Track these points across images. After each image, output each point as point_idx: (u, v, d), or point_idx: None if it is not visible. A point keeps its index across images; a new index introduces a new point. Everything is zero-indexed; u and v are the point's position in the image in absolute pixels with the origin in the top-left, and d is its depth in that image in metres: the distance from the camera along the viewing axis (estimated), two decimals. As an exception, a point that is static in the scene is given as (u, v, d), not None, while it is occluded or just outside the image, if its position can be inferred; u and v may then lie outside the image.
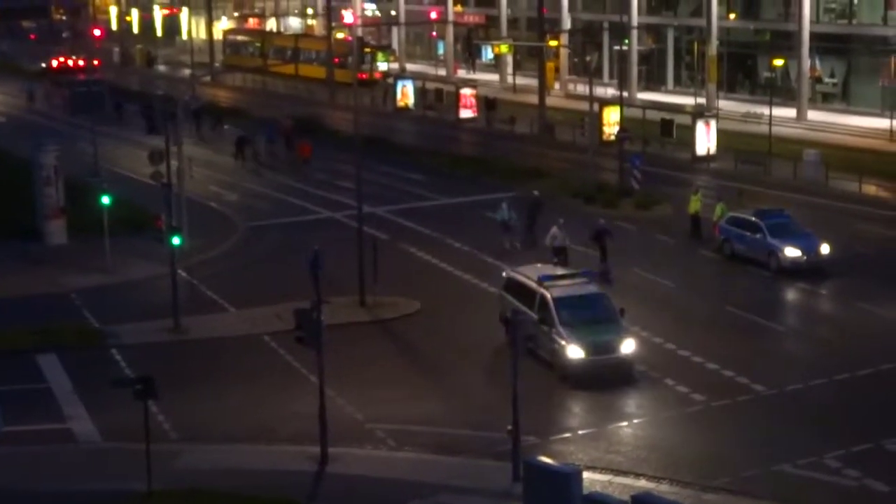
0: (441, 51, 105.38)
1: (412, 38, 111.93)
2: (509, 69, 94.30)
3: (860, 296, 39.70)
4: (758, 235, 43.40)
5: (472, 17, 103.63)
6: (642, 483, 26.39)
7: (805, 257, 42.53)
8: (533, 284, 34.60)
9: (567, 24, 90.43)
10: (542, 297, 33.93)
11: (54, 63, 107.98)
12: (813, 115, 73.98)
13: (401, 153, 66.02)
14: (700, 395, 31.54)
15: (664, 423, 30.15)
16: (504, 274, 37.05)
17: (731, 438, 29.15)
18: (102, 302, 40.73)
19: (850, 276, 42.17)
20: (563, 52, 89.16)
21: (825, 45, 76.39)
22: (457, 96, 79.08)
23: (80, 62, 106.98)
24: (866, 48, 74.71)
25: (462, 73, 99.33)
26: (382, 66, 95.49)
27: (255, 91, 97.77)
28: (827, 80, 78.25)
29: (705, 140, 62.94)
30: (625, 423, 30.24)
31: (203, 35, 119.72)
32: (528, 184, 53.67)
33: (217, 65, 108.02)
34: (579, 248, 43.83)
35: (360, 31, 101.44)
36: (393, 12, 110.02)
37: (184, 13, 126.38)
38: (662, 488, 25.82)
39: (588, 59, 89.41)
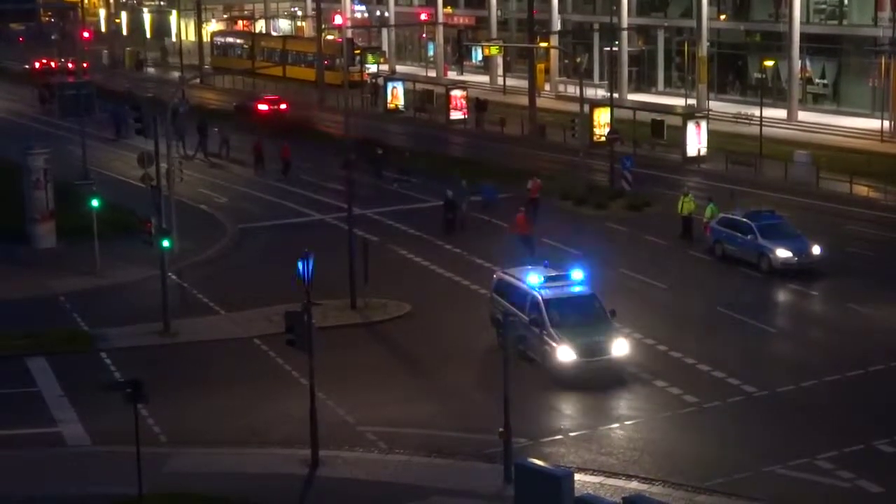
0: (431, 52, 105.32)
1: (402, 40, 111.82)
2: (499, 70, 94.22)
3: (851, 297, 39.67)
4: (749, 237, 43.39)
5: (462, 19, 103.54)
6: (634, 485, 26.36)
7: (796, 258, 42.52)
8: (524, 286, 34.52)
9: (557, 25, 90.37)
10: (533, 299, 33.85)
11: (37, 65, 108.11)
12: (803, 115, 74.02)
13: (391, 155, 65.78)
14: (692, 396, 31.49)
15: (656, 424, 30.08)
16: (495, 276, 36.97)
17: (723, 440, 29.08)
18: (92, 305, 40.57)
19: (842, 277, 42.15)
20: (554, 54, 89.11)
21: (815, 45, 76.41)
22: (447, 98, 79.02)
23: (70, 64, 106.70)
24: (856, 49, 74.69)
25: (452, 74, 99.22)
26: (372, 67, 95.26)
27: (244, 93, 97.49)
28: (817, 80, 78.28)
29: (696, 141, 62.94)
30: (616, 425, 30.17)
31: (192, 37, 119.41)
32: (519, 184, 53.47)
33: (207, 67, 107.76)
34: None
35: (349, 33, 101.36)
36: (383, 13, 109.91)
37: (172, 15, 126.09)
38: (654, 490, 25.78)
39: (578, 60, 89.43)
